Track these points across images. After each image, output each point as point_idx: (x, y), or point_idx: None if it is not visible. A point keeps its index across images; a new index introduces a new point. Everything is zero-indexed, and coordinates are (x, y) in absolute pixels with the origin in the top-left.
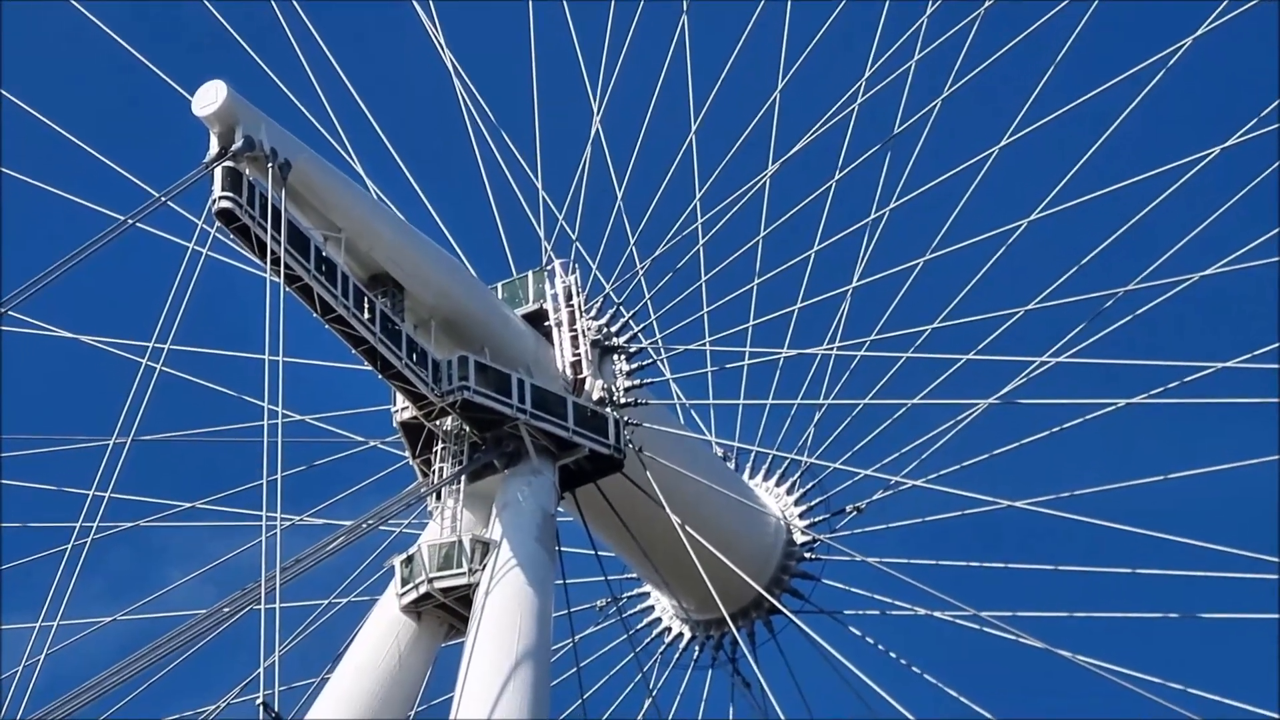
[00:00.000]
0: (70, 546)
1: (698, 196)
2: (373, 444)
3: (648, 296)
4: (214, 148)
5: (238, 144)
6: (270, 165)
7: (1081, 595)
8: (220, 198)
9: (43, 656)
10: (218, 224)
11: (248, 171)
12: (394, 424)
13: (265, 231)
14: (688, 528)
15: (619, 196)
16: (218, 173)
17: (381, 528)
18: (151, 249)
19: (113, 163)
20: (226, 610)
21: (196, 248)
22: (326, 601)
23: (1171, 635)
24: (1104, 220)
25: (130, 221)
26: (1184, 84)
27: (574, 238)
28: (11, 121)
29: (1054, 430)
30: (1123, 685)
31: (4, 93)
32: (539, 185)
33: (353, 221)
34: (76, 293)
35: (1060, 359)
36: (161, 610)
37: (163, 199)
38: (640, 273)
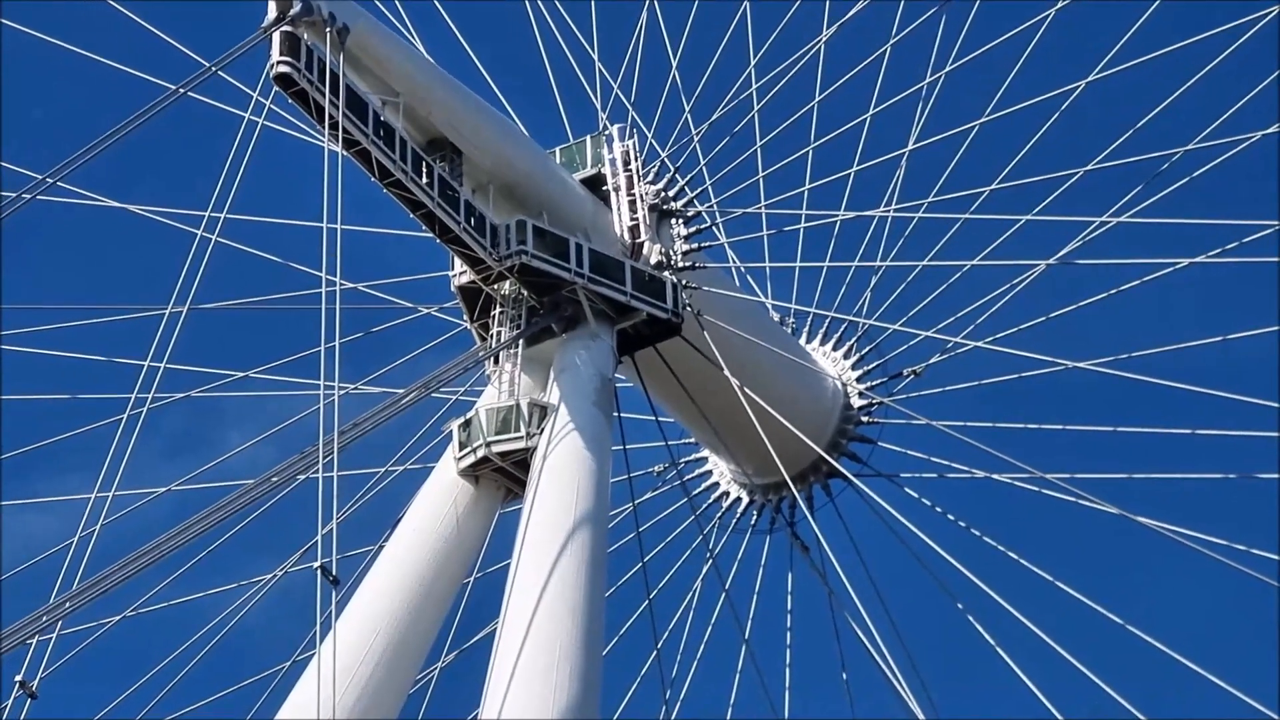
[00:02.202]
0: (126, 416)
1: (753, 62)
2: (427, 310)
3: (703, 162)
4: (271, 12)
5: (295, 9)
6: (328, 30)
7: (1141, 456)
8: (278, 62)
9: (98, 527)
10: (275, 90)
11: (306, 36)
12: (452, 288)
13: (324, 96)
14: (746, 390)
15: (674, 63)
16: (275, 37)
17: (438, 395)
18: (212, 120)
19: (168, 35)
20: (279, 479)
21: (253, 117)
22: (384, 469)
23: (1231, 495)
24: (1163, 80)
25: (182, 90)
26: None
27: (629, 104)
28: None
29: (1113, 291)
30: (1184, 544)
31: None
32: (594, 54)
33: (411, 86)
34: (139, 165)
35: (1120, 219)
36: (218, 475)
37: (214, 69)
38: (696, 138)
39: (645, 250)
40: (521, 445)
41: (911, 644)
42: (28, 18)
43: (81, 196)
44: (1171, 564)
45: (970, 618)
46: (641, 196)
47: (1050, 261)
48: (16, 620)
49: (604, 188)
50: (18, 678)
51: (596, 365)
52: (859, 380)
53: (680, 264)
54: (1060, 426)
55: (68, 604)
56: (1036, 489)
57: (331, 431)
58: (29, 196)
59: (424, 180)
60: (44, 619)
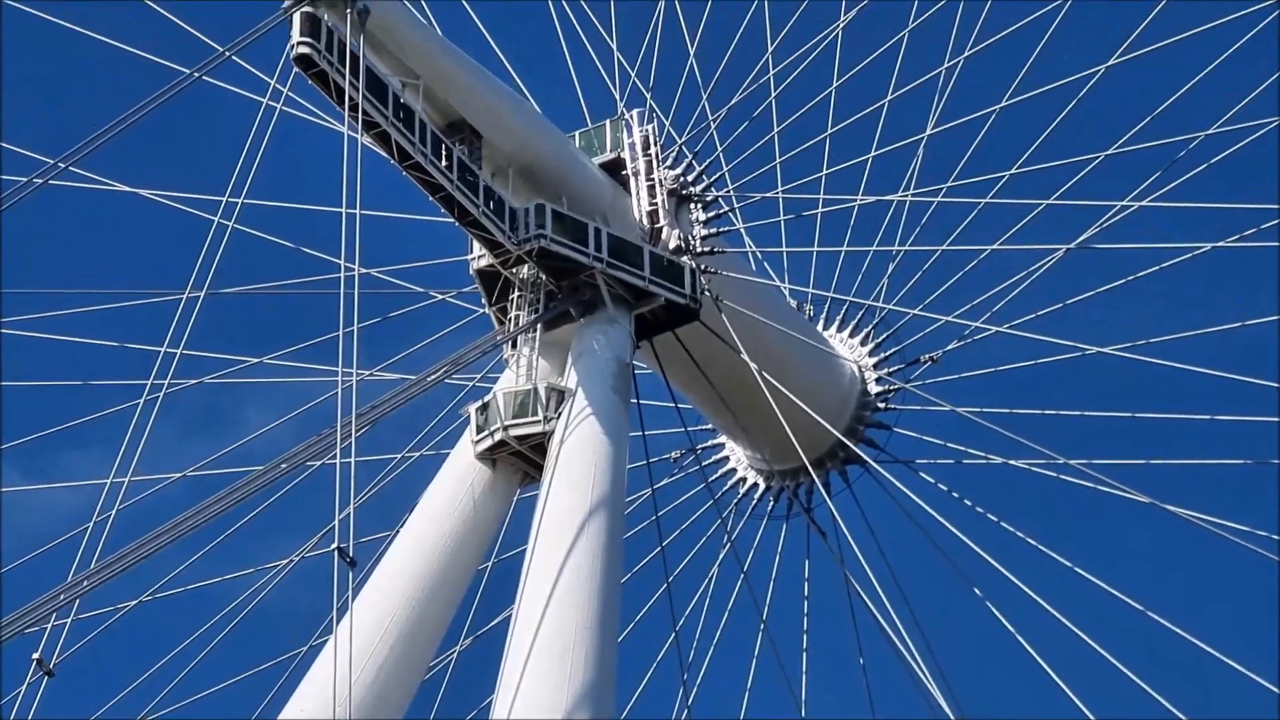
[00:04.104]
0: (143, 401)
1: (770, 49)
2: (441, 297)
3: (720, 148)
4: None
5: None
6: (349, 11)
7: (1160, 442)
8: (299, 43)
9: (114, 512)
10: (294, 72)
11: (326, 17)
12: (470, 272)
13: (344, 78)
14: (765, 374)
15: (691, 49)
16: (296, 18)
17: (455, 381)
18: (233, 105)
19: (190, 20)
20: (296, 462)
21: (271, 103)
22: (402, 454)
23: (1250, 481)
24: (1181, 65)
25: (198, 75)
26: None
27: (646, 91)
28: None
29: (1132, 277)
30: (1205, 529)
31: None
32: (612, 42)
33: (431, 68)
34: (160, 150)
35: (1139, 204)
36: (236, 455)
37: (228, 53)
38: (714, 124)
39: (664, 235)
40: (539, 429)
41: (929, 630)
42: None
43: (94, 182)
44: (1190, 545)
45: (988, 604)
46: (660, 181)
47: (1069, 246)
48: (33, 599)
49: (623, 172)
50: (35, 655)
51: (614, 350)
52: (876, 366)
53: (699, 249)
54: (1078, 413)
55: (85, 582)
56: (1055, 474)
57: (349, 415)
58: (40, 181)
59: (443, 163)
60: (62, 597)
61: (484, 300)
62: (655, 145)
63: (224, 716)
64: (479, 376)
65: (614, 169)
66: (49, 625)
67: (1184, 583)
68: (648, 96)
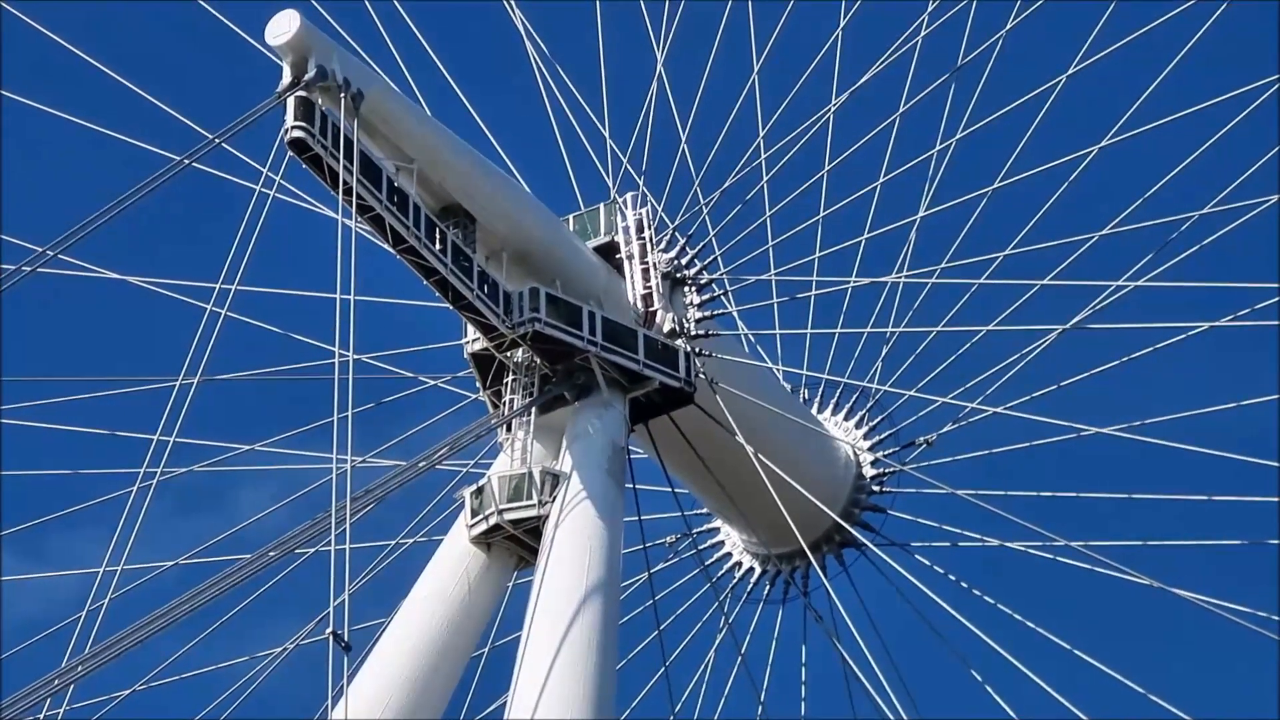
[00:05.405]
0: (135, 489)
1: (762, 133)
2: (435, 382)
3: (713, 231)
4: (286, 77)
5: (310, 74)
6: (343, 95)
7: (1158, 522)
8: (293, 127)
9: (107, 600)
10: (287, 157)
11: (320, 102)
12: (465, 355)
13: (338, 161)
14: (761, 457)
15: (683, 134)
16: (290, 103)
17: (448, 467)
18: (225, 191)
19: (182, 106)
20: (291, 546)
21: (264, 190)
22: (395, 541)
23: (1249, 561)
24: (1176, 145)
25: (187, 161)
26: (1255, 5)
27: (638, 176)
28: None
29: (1129, 357)
30: (1206, 609)
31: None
32: (605, 129)
33: (425, 152)
34: (156, 238)
35: (1135, 284)
36: (230, 543)
37: (218, 140)
38: (706, 207)
39: (658, 319)
40: (533, 513)
41: (927, 714)
42: (40, 93)
43: (84, 269)
44: (1189, 627)
45: (987, 687)
46: (654, 265)
47: (1065, 327)
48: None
49: (617, 256)
50: None
51: (609, 433)
52: (871, 449)
53: (693, 332)
54: (1076, 494)
55: (80, 668)
56: (1052, 556)
57: (344, 500)
58: (30, 269)
59: (437, 247)
60: (56, 683)
61: (478, 384)
62: (649, 229)
63: None
64: (473, 461)
65: (608, 253)
66: (43, 712)
67: (1185, 664)
68: (640, 180)
